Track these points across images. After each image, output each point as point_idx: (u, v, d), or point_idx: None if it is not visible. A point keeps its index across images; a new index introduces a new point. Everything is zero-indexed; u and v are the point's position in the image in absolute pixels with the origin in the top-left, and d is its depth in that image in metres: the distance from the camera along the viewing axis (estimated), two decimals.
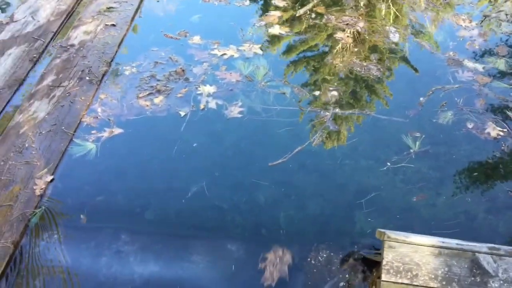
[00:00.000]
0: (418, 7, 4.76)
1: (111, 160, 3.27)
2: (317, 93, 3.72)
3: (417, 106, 3.65)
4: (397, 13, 4.62)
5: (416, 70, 4.03)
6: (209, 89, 3.73)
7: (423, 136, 3.39)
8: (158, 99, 3.65)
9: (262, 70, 3.91)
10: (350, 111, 3.57)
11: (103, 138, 3.36)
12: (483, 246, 2.49)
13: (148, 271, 2.70)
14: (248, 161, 3.28)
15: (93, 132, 3.40)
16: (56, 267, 2.71)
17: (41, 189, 3.02)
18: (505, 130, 3.47)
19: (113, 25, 4.41)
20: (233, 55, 4.08)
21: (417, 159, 3.25)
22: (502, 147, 3.37)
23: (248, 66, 3.95)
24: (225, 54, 4.09)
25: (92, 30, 4.35)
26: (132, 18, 4.54)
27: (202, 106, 3.60)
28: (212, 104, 3.61)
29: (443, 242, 2.48)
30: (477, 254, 2.45)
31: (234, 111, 3.53)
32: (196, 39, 4.26)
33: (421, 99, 3.72)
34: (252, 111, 3.57)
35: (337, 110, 3.57)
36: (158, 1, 4.82)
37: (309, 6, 4.71)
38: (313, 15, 4.59)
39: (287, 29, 4.43)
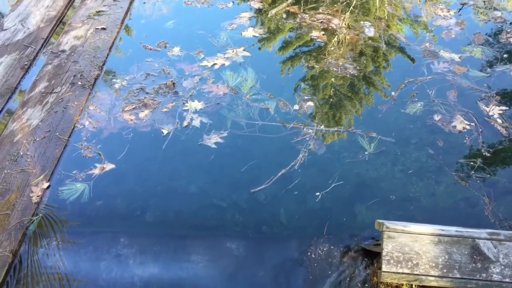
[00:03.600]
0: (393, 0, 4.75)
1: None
2: (296, 107, 3.58)
3: (389, 101, 3.61)
4: (372, 7, 4.60)
5: (413, 60, 4.00)
6: (196, 105, 3.60)
7: (379, 136, 3.31)
8: (144, 114, 3.56)
9: (249, 82, 3.79)
10: (335, 129, 3.40)
11: (94, 175, 3.18)
12: (482, 232, 2.47)
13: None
14: (230, 187, 3.10)
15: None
16: (55, 273, 2.70)
17: (38, 196, 3.01)
18: (473, 124, 3.38)
19: (103, 28, 4.40)
20: (224, 64, 3.99)
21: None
22: (465, 141, 3.28)
23: (236, 78, 3.83)
24: (215, 64, 3.99)
25: (83, 34, 4.34)
26: (122, 21, 4.53)
27: (185, 123, 3.47)
28: (196, 122, 3.47)
29: (442, 230, 2.47)
30: (477, 240, 2.44)
31: (212, 139, 3.34)
32: (176, 50, 4.17)
33: (393, 93, 3.67)
34: (236, 125, 3.45)
35: (322, 127, 3.40)
36: (144, 2, 4.81)
37: (282, 6, 4.67)
38: (285, 15, 4.56)
39: (260, 31, 4.38)
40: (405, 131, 3.39)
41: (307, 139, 3.29)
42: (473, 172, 3.09)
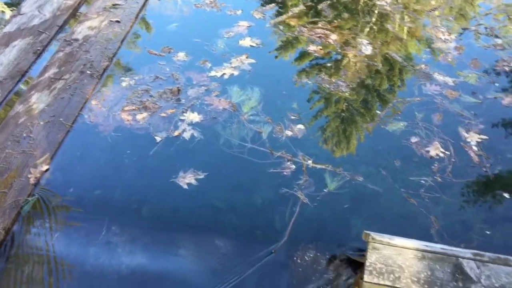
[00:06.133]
0: (396, 19, 4.71)
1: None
2: (289, 132, 3.47)
3: (375, 119, 3.59)
4: (372, 25, 4.57)
5: (407, 78, 4.00)
6: (194, 116, 3.56)
7: (367, 184, 3.15)
8: (141, 116, 3.54)
9: (252, 102, 3.70)
10: (323, 166, 3.25)
11: None
12: (467, 252, 2.49)
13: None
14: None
15: None
16: (45, 255, 2.75)
17: (36, 178, 3.07)
18: (448, 153, 3.32)
19: (118, 21, 4.47)
20: (233, 73, 3.95)
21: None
22: (432, 167, 3.25)
23: (241, 95, 3.75)
24: (224, 74, 3.95)
25: (97, 25, 4.41)
26: (137, 16, 4.60)
27: (176, 133, 3.44)
28: (187, 134, 3.43)
29: (427, 246, 2.49)
30: (460, 259, 2.46)
31: (186, 179, 3.15)
32: (181, 55, 4.16)
33: (378, 112, 3.66)
34: (228, 144, 3.39)
35: (309, 162, 3.27)
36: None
37: (282, 17, 4.66)
38: (282, 27, 4.54)
39: (258, 41, 4.34)
40: (376, 150, 3.39)
41: (289, 172, 3.19)
42: (422, 190, 3.10)
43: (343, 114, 3.67)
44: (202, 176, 3.16)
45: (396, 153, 3.35)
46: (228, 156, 3.31)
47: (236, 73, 3.97)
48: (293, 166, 3.23)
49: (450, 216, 2.99)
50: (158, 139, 3.39)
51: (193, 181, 3.13)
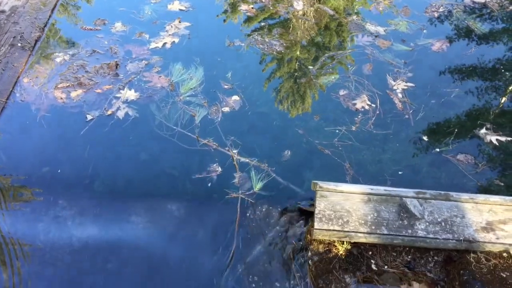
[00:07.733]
0: None
1: None
2: (226, 109, 3.37)
3: (308, 74, 3.61)
4: None
5: (339, 32, 3.99)
6: (130, 94, 3.40)
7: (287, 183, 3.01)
8: (76, 93, 3.37)
9: (192, 82, 3.53)
10: (248, 160, 3.09)
11: None
12: (409, 191, 2.59)
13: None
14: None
15: None
16: None
17: None
18: (374, 105, 3.39)
19: None
20: (174, 41, 3.82)
21: None
22: (355, 119, 3.31)
23: (183, 74, 3.58)
24: (166, 43, 3.81)
25: None
26: None
27: (109, 112, 3.29)
28: (121, 113, 3.29)
29: (372, 189, 2.58)
30: (404, 198, 2.56)
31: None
32: (118, 26, 3.98)
33: (310, 67, 3.66)
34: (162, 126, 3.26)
35: (235, 152, 3.13)
36: None
37: None
38: None
39: (187, 5, 4.23)
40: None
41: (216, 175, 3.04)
42: (336, 140, 3.17)
43: (292, 74, 3.67)
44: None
45: (324, 107, 3.39)
46: (159, 139, 3.19)
47: (176, 40, 3.86)
48: (219, 169, 3.06)
49: (365, 162, 3.08)
50: (89, 117, 3.25)
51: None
